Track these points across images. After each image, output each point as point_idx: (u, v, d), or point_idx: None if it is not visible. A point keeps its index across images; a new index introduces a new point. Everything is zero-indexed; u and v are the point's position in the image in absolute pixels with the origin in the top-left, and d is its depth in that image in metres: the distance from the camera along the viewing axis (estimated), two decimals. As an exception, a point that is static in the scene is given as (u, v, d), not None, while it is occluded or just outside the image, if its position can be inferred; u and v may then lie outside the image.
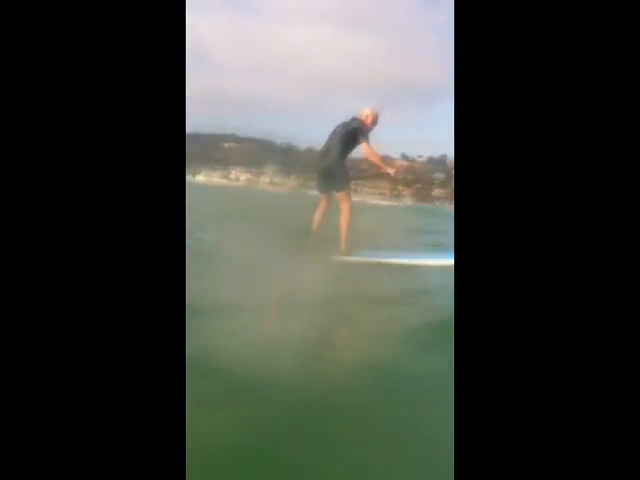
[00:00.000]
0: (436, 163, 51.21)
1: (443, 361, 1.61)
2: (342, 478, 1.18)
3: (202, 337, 1.83)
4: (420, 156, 51.00)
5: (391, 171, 4.27)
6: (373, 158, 4.10)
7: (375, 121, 4.25)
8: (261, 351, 1.85)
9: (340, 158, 4.07)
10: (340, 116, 4.28)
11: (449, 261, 3.38)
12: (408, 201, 43.77)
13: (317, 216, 4.21)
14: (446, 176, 46.94)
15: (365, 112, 4.28)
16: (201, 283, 2.38)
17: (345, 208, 4.02)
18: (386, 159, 4.65)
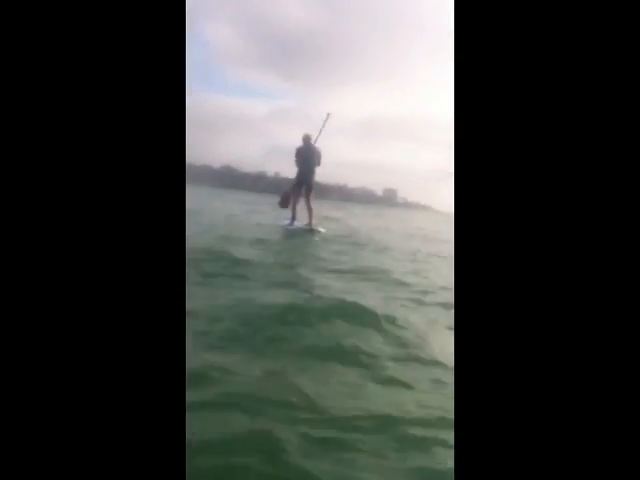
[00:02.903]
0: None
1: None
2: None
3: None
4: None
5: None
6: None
7: None
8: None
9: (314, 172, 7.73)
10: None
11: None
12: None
13: (294, 207, 7.74)
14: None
15: (309, 136, 7.75)
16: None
17: (310, 201, 7.69)
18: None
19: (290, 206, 7.94)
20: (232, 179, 64.91)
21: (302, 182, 7.76)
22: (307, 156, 7.72)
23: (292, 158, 8.09)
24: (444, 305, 3.47)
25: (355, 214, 19.77)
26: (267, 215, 11.00)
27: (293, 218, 7.87)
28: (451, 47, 0.81)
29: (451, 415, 1.54)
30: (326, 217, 9.33)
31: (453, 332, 0.82)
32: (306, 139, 7.79)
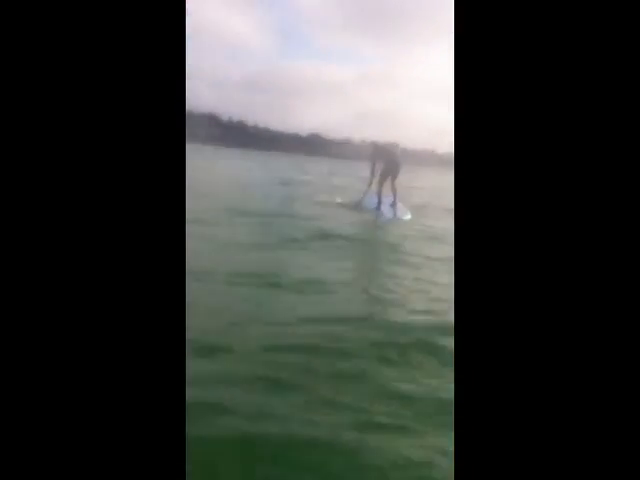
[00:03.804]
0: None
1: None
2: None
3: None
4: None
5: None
6: None
7: None
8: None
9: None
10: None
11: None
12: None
13: (380, 192, 8.27)
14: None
15: (374, 143, 8.48)
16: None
17: (395, 184, 8.33)
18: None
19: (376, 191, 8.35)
20: (319, 146, 65.39)
21: (388, 174, 8.20)
22: (384, 156, 8.18)
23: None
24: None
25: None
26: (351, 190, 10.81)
27: (379, 202, 8.23)
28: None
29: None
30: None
31: None
32: (372, 146, 8.34)
